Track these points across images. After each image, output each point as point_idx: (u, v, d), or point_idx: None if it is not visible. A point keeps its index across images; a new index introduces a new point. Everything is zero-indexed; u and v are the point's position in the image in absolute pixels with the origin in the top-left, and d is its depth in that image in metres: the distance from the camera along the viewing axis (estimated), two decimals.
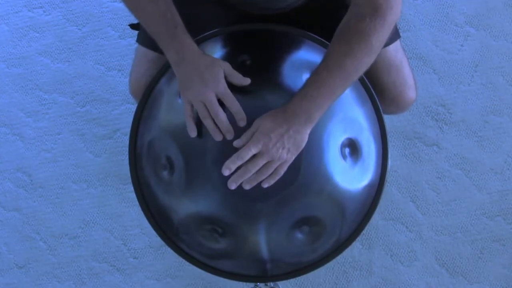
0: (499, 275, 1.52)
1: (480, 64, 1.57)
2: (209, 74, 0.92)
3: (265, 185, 0.92)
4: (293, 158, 0.91)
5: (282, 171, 0.92)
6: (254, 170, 0.91)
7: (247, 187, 0.92)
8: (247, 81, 0.94)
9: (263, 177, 0.92)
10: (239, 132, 0.92)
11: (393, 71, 1.09)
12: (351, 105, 0.99)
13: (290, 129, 0.89)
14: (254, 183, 0.92)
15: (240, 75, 0.94)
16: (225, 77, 0.93)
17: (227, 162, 0.90)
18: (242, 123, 0.92)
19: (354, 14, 0.90)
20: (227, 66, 0.94)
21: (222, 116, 0.91)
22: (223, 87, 0.92)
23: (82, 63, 1.64)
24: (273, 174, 0.92)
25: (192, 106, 0.93)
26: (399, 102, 1.11)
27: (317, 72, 0.90)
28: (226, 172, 0.90)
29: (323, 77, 0.89)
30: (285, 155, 0.90)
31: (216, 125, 0.92)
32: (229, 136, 0.92)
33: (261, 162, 0.90)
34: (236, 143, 0.91)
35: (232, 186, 0.91)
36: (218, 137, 0.92)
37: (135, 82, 1.13)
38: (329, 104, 0.90)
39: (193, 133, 0.93)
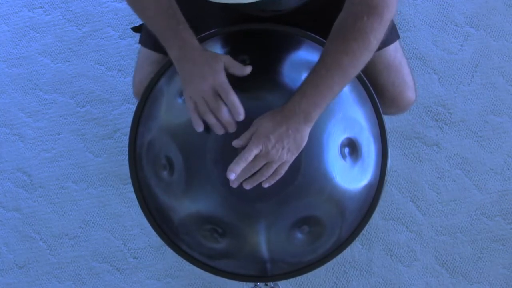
0: (499, 275, 1.52)
1: (480, 64, 1.57)
2: (208, 68, 0.91)
3: (266, 185, 0.92)
4: (294, 157, 0.91)
5: (282, 171, 0.92)
6: (254, 171, 0.91)
7: (247, 187, 0.92)
8: (247, 70, 0.93)
9: (264, 178, 0.92)
10: (238, 132, 0.92)
11: (393, 72, 1.09)
12: (351, 105, 0.99)
13: (289, 129, 0.89)
14: (255, 184, 0.92)
15: (240, 65, 0.93)
16: (226, 70, 0.93)
17: (232, 166, 0.89)
18: (238, 117, 0.91)
19: (351, 13, 0.89)
20: (227, 58, 0.93)
21: (221, 109, 0.91)
22: (220, 80, 0.91)
23: (82, 63, 1.64)
24: (273, 175, 0.92)
25: (195, 101, 0.93)
26: (399, 103, 1.10)
27: (315, 71, 0.90)
28: (232, 176, 0.89)
29: (321, 75, 0.89)
30: (285, 155, 0.90)
31: (217, 119, 0.92)
32: (231, 129, 0.91)
33: (261, 163, 0.90)
34: (235, 143, 0.91)
35: (234, 184, 0.91)
36: (219, 131, 0.92)
37: (138, 84, 1.13)
38: (328, 103, 0.90)
39: (199, 128, 0.93)
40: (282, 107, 0.90)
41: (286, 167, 0.92)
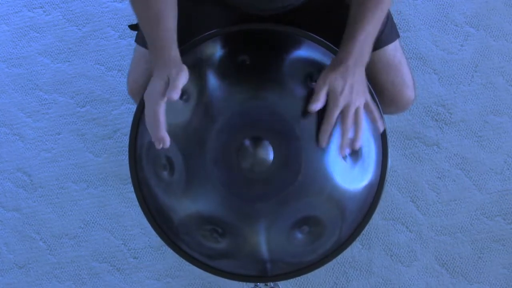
0: (499, 275, 1.52)
1: (480, 64, 1.57)
2: (164, 77, 0.90)
3: (358, 144, 0.93)
4: (367, 95, 0.94)
5: (362, 116, 0.92)
6: (352, 125, 0.92)
7: (358, 145, 0.92)
8: (174, 96, 0.89)
9: (361, 126, 0.92)
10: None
11: (392, 71, 1.09)
12: None
13: (356, 74, 0.92)
14: (347, 139, 0.92)
15: (174, 89, 0.89)
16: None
17: (321, 136, 0.90)
18: (158, 145, 0.91)
19: None
20: (176, 74, 0.90)
21: (159, 125, 0.90)
22: (160, 107, 0.90)
23: (82, 63, 1.64)
24: (358, 123, 0.92)
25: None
26: (398, 102, 1.11)
27: (356, 15, 0.93)
28: (325, 145, 0.91)
29: (367, 18, 0.92)
30: (362, 96, 0.92)
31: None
32: (157, 145, 0.91)
33: (351, 114, 0.91)
34: (312, 108, 0.91)
35: (324, 145, 0.92)
36: (157, 145, 0.92)
37: (133, 82, 1.13)
38: (374, 39, 0.94)
39: (157, 143, 0.92)
40: (339, 58, 0.92)
41: (362, 110, 0.93)
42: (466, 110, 1.56)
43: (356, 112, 0.92)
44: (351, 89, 0.91)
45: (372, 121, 0.97)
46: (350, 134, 0.93)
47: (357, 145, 0.93)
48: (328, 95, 0.91)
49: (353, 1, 0.94)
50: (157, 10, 0.93)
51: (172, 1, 0.95)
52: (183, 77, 0.90)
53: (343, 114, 0.91)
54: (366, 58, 0.94)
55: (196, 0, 1.08)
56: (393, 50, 1.09)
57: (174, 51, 0.93)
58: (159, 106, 0.90)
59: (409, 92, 1.11)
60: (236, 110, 0.94)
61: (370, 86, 1.03)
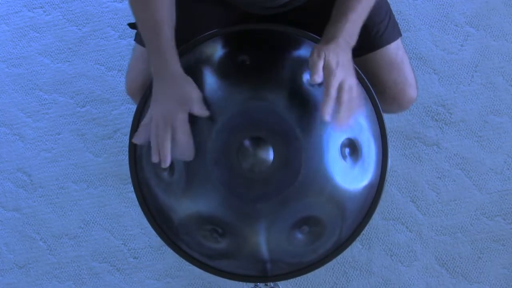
0: (499, 275, 1.52)
1: (480, 64, 1.57)
2: (179, 98, 0.92)
3: (348, 119, 0.92)
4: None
5: (356, 96, 0.92)
6: (350, 99, 0.91)
7: (343, 124, 0.91)
8: (205, 113, 0.93)
9: (356, 101, 0.92)
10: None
11: (394, 70, 1.09)
12: None
13: (348, 54, 0.93)
14: (350, 117, 0.92)
15: (203, 109, 0.93)
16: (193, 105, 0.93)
17: (324, 108, 0.88)
18: (163, 163, 0.92)
19: None
20: (197, 96, 0.93)
21: (165, 140, 0.91)
22: (182, 116, 0.92)
23: (82, 63, 1.64)
24: (353, 102, 0.92)
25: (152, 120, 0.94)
26: (400, 101, 1.11)
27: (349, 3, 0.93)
28: (328, 118, 0.89)
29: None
30: (352, 78, 0.92)
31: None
32: (163, 164, 0.92)
33: (348, 90, 0.91)
34: (314, 80, 0.90)
35: (328, 117, 0.90)
36: (154, 158, 0.92)
37: (131, 81, 1.12)
38: (362, 24, 0.95)
39: (155, 157, 0.93)
40: (331, 33, 0.93)
41: (356, 89, 0.92)
42: (466, 110, 1.56)
43: (351, 88, 0.91)
44: (343, 66, 0.91)
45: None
46: (350, 109, 0.92)
47: (351, 122, 0.92)
48: (324, 68, 0.90)
49: None
50: (160, 17, 0.93)
51: (171, 11, 0.95)
52: (200, 95, 0.93)
53: (339, 87, 0.90)
54: (353, 40, 0.94)
55: (196, 0, 1.08)
56: (395, 48, 1.09)
57: (178, 64, 0.94)
58: (185, 129, 0.91)
59: (411, 91, 1.11)
60: (236, 110, 0.94)
61: (371, 88, 1.03)
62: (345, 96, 0.90)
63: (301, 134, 0.94)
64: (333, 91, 0.89)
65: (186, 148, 0.92)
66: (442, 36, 1.58)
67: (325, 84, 0.90)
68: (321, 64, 0.90)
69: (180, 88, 0.92)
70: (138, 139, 0.96)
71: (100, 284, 1.59)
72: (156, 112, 0.93)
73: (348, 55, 0.93)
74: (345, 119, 0.91)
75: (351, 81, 0.91)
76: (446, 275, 1.53)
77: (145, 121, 0.95)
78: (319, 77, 0.89)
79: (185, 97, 0.92)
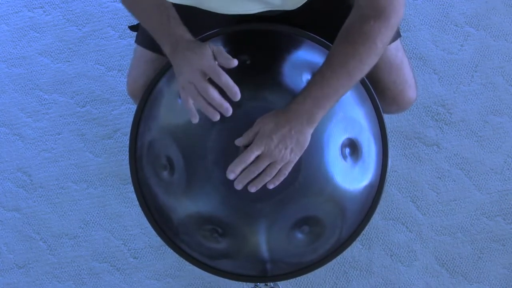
0: (499, 275, 1.52)
1: (480, 64, 1.57)
2: (194, 54, 0.89)
3: (270, 186, 0.92)
4: (297, 158, 0.91)
5: (286, 172, 0.92)
6: (257, 172, 0.91)
7: (252, 189, 0.91)
8: (234, 63, 0.89)
9: (268, 178, 0.91)
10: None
11: (394, 70, 1.09)
12: (351, 105, 0.99)
13: (292, 129, 0.89)
14: (260, 185, 0.91)
15: (228, 56, 0.89)
16: (214, 57, 0.90)
17: (231, 166, 0.90)
18: (235, 96, 0.88)
19: (358, 16, 0.90)
20: (216, 46, 0.91)
21: (211, 91, 0.88)
22: (209, 63, 0.88)
23: (82, 63, 1.64)
24: (277, 175, 0.92)
25: (186, 89, 0.92)
26: (400, 101, 1.11)
27: (320, 72, 0.90)
28: (231, 176, 0.90)
29: (327, 77, 0.89)
30: (289, 155, 0.90)
31: (209, 103, 0.89)
32: (226, 112, 0.89)
33: (264, 164, 0.90)
34: (237, 142, 0.91)
35: (238, 186, 0.91)
36: (213, 116, 0.89)
37: (132, 82, 1.13)
38: (332, 105, 0.90)
39: (194, 119, 0.91)
40: (286, 108, 0.90)
41: (290, 167, 0.92)
42: (466, 110, 1.56)
43: (280, 169, 0.91)
44: (280, 141, 0.89)
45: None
46: (265, 179, 0.92)
47: (270, 187, 0.92)
48: (255, 134, 0.90)
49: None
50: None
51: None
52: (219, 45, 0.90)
53: (269, 165, 0.90)
54: (314, 119, 0.90)
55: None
56: (395, 49, 1.09)
57: (188, 34, 0.93)
58: (213, 62, 0.88)
59: (411, 92, 1.11)
60: (236, 110, 0.94)
61: (371, 88, 1.03)
62: (256, 171, 0.90)
63: None
64: (244, 158, 0.89)
65: (233, 85, 0.88)
66: (442, 36, 1.58)
67: (247, 148, 0.90)
68: (251, 132, 0.90)
69: (193, 48, 0.91)
70: (193, 117, 0.91)
71: (100, 284, 1.59)
72: (184, 81, 0.90)
73: (297, 135, 0.89)
74: (254, 187, 0.91)
75: (282, 157, 0.89)
76: (446, 275, 1.53)
77: (183, 98, 0.91)
78: (237, 141, 0.91)
79: (201, 51, 0.89)
